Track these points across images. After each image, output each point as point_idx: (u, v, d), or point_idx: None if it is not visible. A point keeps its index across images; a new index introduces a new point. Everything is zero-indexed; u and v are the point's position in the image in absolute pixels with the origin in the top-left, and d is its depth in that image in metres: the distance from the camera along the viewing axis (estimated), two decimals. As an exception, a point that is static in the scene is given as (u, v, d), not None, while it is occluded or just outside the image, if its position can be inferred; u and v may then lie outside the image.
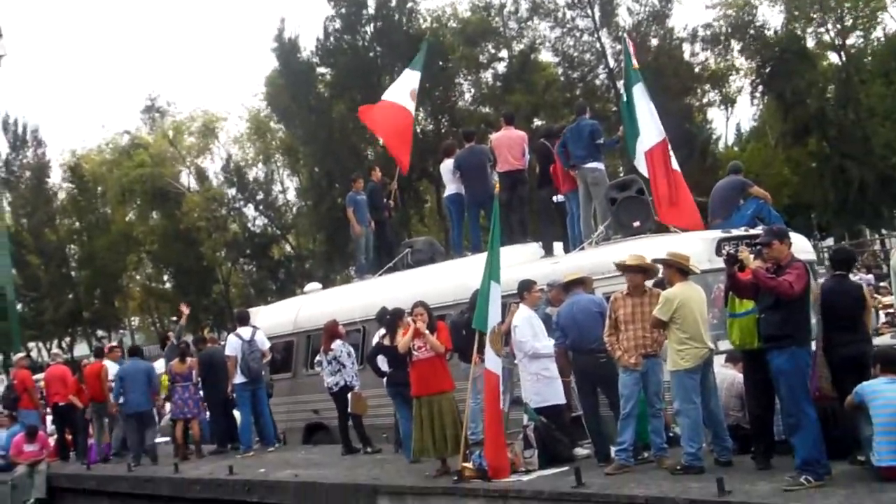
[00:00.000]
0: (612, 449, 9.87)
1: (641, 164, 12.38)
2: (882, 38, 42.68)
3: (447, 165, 15.61)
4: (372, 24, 41.70)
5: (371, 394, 13.33)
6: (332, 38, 41.93)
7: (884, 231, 46.34)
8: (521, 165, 14.35)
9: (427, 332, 10.39)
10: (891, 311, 17.27)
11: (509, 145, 14.33)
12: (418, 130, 42.95)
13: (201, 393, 15.94)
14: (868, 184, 40.80)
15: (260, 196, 49.19)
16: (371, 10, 41.53)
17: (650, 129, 12.15)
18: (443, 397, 10.53)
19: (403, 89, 16.97)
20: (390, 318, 11.77)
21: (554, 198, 13.42)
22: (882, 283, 18.82)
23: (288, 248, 51.04)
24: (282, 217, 50.13)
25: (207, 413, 16.40)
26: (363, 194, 16.86)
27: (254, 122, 49.23)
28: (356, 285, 17.80)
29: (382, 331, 12.49)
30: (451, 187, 15.58)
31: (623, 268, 9.69)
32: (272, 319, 16.95)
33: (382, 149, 38.83)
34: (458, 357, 11.42)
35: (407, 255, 16.36)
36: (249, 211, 49.61)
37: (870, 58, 42.91)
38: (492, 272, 10.08)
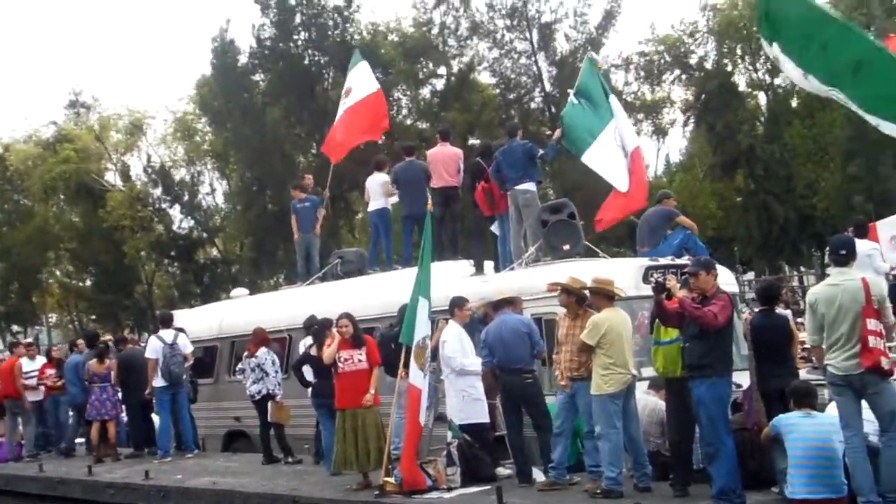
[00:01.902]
0: (535, 469, 9.97)
1: (591, 161, 12.72)
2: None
3: (375, 179, 15.72)
4: (306, 32, 41.58)
5: (294, 403, 13.23)
6: (267, 44, 41.71)
7: (802, 268, 47.65)
8: (455, 182, 14.42)
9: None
10: (806, 346, 17.70)
11: (444, 161, 14.40)
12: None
13: (119, 394, 15.63)
14: (790, 221, 41.94)
15: (186, 198, 48.50)
16: (303, 18, 41.37)
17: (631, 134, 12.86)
18: (367, 411, 10.51)
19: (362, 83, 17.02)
20: (318, 329, 11.70)
21: (493, 228, 13.55)
22: (799, 319, 19.29)
23: (214, 251, 50.39)
24: (209, 220, 49.50)
25: (125, 415, 16.09)
26: (306, 202, 16.71)
27: (181, 124, 48.60)
28: (283, 293, 17.67)
29: (309, 340, 12.46)
30: (378, 202, 15.69)
31: (561, 289, 9.79)
32: (196, 323, 16.69)
33: (314, 157, 38.64)
34: (384, 370, 11.39)
35: (336, 265, 16.29)
36: (175, 212, 48.91)
37: (794, 99, 44.19)
38: (421, 288, 10.12)
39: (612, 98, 13.25)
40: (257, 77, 43.05)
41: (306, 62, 41.64)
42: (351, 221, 44.60)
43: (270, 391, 13.40)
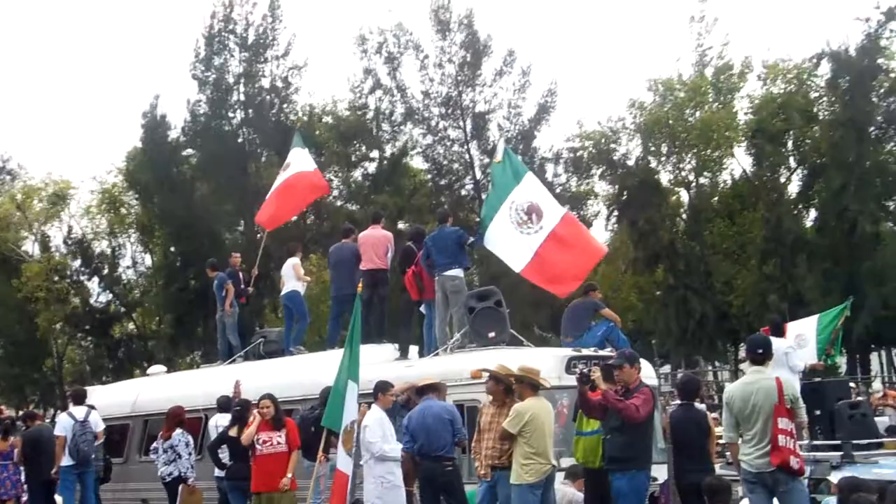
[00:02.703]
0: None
1: (490, 243, 12.79)
2: (728, 182, 45.40)
3: (288, 263, 15.95)
4: (241, 111, 41.70)
5: (204, 486, 12.88)
6: (200, 120, 41.69)
7: (717, 363, 48.50)
8: (384, 265, 14.46)
9: None
10: (721, 441, 17.91)
11: (374, 244, 14.45)
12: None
13: (22, 474, 14.99)
14: (707, 317, 42.77)
15: (105, 271, 47.59)
16: (241, 97, 41.54)
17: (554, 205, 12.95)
18: (283, 495, 10.30)
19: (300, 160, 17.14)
20: (239, 409, 11.49)
21: (422, 308, 13.59)
22: (713, 414, 19.59)
23: (131, 326, 49.30)
24: (128, 294, 48.54)
25: (26, 496, 15.41)
26: (215, 280, 16.66)
27: (106, 195, 47.96)
28: (202, 372, 17.32)
29: (221, 419, 12.23)
30: (289, 284, 15.86)
31: (490, 377, 9.79)
32: (108, 399, 16.25)
33: (241, 234, 38.29)
34: (302, 454, 11.19)
35: (259, 344, 16.10)
36: (93, 285, 47.88)
37: (716, 198, 45.50)
38: (350, 371, 10.05)
39: (528, 175, 13.18)
40: (188, 152, 42.85)
41: (240, 140, 41.62)
42: (275, 301, 44.17)
43: (182, 473, 13.04)
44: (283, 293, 16.28)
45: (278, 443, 10.43)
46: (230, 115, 41.83)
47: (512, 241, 12.50)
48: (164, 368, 19.10)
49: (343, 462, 9.89)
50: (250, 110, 41.45)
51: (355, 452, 10.20)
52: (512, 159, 13.46)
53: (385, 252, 14.46)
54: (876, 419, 14.73)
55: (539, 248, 12.15)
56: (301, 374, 13.40)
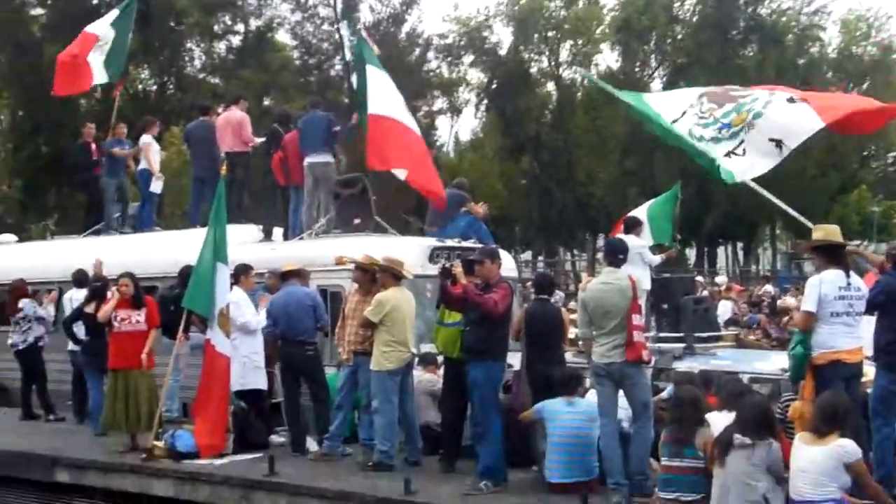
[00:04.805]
0: (309, 439, 10.07)
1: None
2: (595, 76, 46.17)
3: (144, 140, 15.38)
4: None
5: (59, 358, 12.68)
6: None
7: (576, 252, 50.07)
8: (242, 147, 14.15)
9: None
10: (574, 329, 18.64)
11: (234, 126, 14.09)
12: (140, 89, 41.18)
13: None
14: (568, 207, 43.97)
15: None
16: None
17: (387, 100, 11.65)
18: (141, 372, 10.27)
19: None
20: (98, 286, 11.27)
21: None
22: (571, 304, 20.30)
23: (-22, 190, 47.00)
24: (-26, 158, 46.10)
25: None
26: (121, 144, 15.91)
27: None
28: (56, 242, 16.80)
29: (77, 294, 12.05)
30: (143, 163, 15.37)
31: (356, 266, 9.85)
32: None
33: (96, 101, 36.46)
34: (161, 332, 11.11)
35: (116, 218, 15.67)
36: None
37: (580, 92, 46.21)
38: (217, 253, 9.97)
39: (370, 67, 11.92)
40: (35, 12, 40.35)
41: (94, 1, 39.39)
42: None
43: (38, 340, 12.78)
44: (137, 169, 15.67)
45: (137, 321, 10.32)
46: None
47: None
48: (15, 238, 18.42)
49: (223, 345, 9.92)
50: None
51: None
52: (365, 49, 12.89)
53: (241, 134, 14.05)
54: (718, 310, 15.66)
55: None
56: (161, 251, 13.19)
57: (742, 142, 8.56)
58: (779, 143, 8.47)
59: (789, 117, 8.53)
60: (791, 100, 8.68)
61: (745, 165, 8.56)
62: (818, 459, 6.42)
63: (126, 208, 15.78)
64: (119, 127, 16.18)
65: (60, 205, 39.73)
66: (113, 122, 16.37)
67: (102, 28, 16.49)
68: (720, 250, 50.09)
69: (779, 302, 20.25)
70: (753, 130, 8.53)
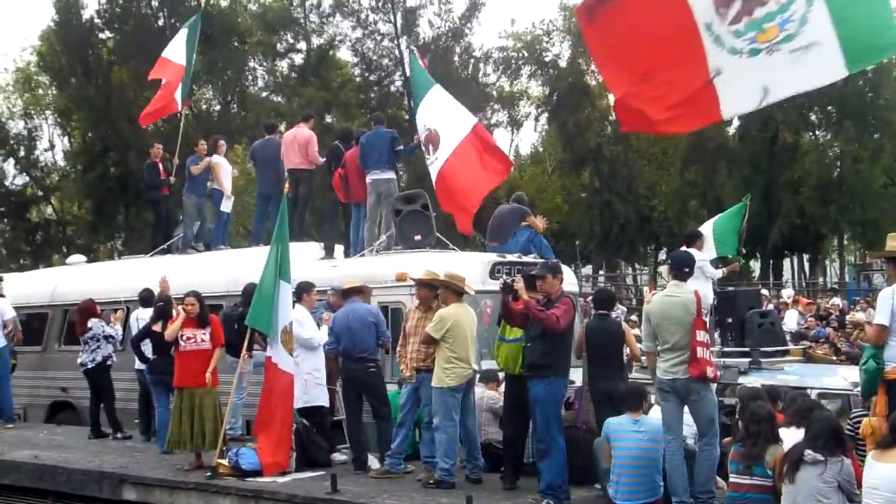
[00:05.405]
0: (370, 456, 10.08)
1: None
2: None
3: (214, 160, 15.60)
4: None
5: (127, 377, 12.87)
6: (119, 2, 40.07)
7: (637, 266, 49.56)
8: (307, 164, 14.30)
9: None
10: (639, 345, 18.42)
11: (298, 143, 14.24)
12: (203, 109, 41.88)
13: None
14: (630, 220, 43.56)
15: (22, 153, 46.18)
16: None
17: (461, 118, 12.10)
18: (205, 391, 10.37)
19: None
20: (163, 305, 11.44)
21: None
22: (633, 317, 20.14)
23: (49, 210, 48.20)
24: (45, 178, 47.30)
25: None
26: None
27: (23, 75, 46.18)
28: (122, 262, 17.11)
29: (143, 313, 12.21)
30: (213, 182, 15.59)
31: (417, 283, 9.87)
32: (26, 288, 16.00)
33: (162, 122, 37.24)
34: (225, 351, 11.23)
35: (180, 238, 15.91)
36: (8, 167, 46.48)
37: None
38: (281, 271, 10.02)
39: (436, 87, 12.53)
40: (104, 35, 41.31)
41: (161, 23, 40.23)
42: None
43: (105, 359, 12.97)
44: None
45: (202, 340, 10.44)
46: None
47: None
48: (84, 258, 18.80)
49: (286, 363, 9.97)
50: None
51: None
52: (416, 67, 13.13)
53: (307, 152, 14.21)
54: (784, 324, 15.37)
55: (437, 178, 11.97)
56: (225, 270, 13.35)
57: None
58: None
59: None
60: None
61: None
62: (891, 476, 6.24)
63: (204, 225, 15.95)
64: (200, 144, 16.39)
65: (128, 225, 40.56)
66: (179, 142, 16.66)
67: (179, 52, 16.72)
68: (786, 262, 49.18)
69: (847, 317, 19.80)
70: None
